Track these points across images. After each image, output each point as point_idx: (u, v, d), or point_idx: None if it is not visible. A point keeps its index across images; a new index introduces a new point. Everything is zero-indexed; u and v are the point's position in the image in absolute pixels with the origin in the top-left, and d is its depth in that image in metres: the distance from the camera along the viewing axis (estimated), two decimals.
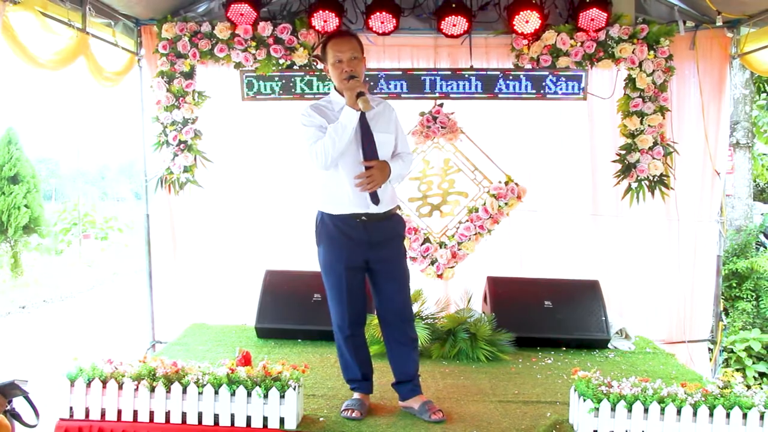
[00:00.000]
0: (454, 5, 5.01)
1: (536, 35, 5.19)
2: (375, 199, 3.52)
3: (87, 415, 3.44)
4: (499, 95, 5.40)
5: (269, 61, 5.28)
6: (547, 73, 5.34)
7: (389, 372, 3.78)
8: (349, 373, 3.77)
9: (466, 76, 5.40)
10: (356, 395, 3.74)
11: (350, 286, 3.60)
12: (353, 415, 3.58)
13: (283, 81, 5.37)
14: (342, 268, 3.58)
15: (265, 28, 5.21)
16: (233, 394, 3.37)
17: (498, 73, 5.38)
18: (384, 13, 5.02)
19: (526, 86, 5.37)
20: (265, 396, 3.36)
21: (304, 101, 5.34)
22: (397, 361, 3.73)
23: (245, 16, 5.09)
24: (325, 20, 5.09)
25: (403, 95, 5.39)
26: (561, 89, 5.36)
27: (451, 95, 5.42)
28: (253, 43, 5.24)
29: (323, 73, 5.31)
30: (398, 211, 3.78)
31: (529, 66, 5.30)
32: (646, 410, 3.23)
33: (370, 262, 3.60)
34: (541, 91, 5.36)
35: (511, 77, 5.37)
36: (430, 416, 3.55)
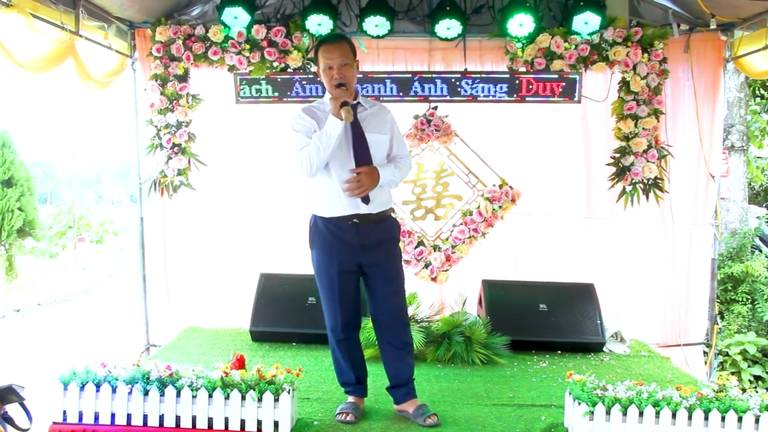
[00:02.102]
0: (448, 8, 5.02)
1: (530, 38, 5.19)
2: (365, 198, 3.50)
3: (80, 418, 3.42)
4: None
5: (263, 64, 5.27)
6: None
7: (384, 375, 3.77)
8: (343, 376, 3.77)
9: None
10: (350, 399, 3.74)
11: (343, 290, 3.59)
12: (347, 418, 3.58)
13: (277, 84, 5.36)
14: (335, 271, 3.57)
15: (259, 31, 5.21)
16: (227, 397, 3.36)
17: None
18: (378, 16, 5.02)
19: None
20: (260, 399, 3.35)
21: (298, 104, 5.36)
22: (391, 365, 3.72)
23: (239, 19, 5.08)
24: (319, 23, 5.08)
25: None
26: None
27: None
28: (247, 46, 5.24)
29: (317, 76, 5.31)
30: (392, 214, 3.78)
31: (523, 69, 5.30)
32: (641, 414, 3.23)
33: (363, 265, 3.59)
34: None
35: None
36: (424, 420, 3.54)
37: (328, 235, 3.56)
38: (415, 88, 5.40)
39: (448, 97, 5.42)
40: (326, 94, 3.65)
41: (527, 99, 5.38)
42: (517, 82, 5.35)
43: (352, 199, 3.49)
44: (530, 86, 5.35)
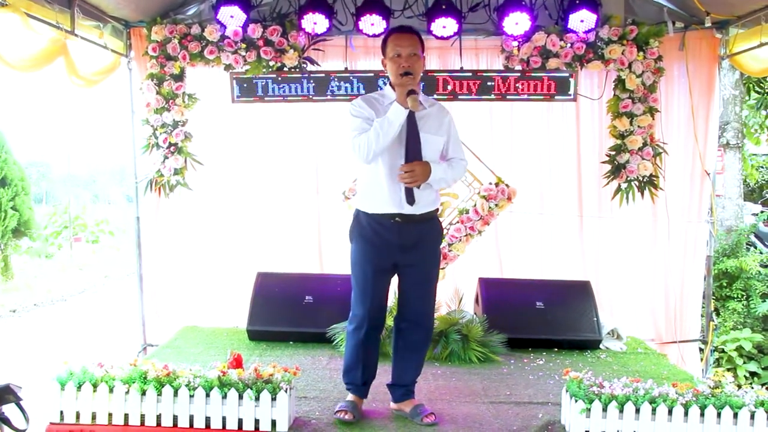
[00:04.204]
0: (444, 7, 5.00)
1: (526, 37, 5.19)
2: (410, 198, 3.45)
3: (77, 418, 3.42)
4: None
5: (259, 63, 5.27)
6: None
7: (383, 374, 3.77)
8: (351, 375, 3.71)
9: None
10: (350, 397, 3.71)
11: (375, 288, 3.57)
12: (346, 417, 3.55)
13: (324, 82, 5.37)
14: (370, 269, 3.54)
15: (255, 30, 5.20)
16: (225, 396, 3.36)
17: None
18: (374, 14, 5.01)
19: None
20: (257, 398, 3.35)
21: (296, 103, 5.37)
22: (399, 365, 3.71)
23: (235, 18, 5.07)
24: (314, 22, 5.07)
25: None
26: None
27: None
28: (243, 45, 5.23)
29: (314, 75, 5.32)
30: (437, 215, 3.71)
31: (519, 67, 5.31)
32: (637, 410, 3.25)
33: (399, 265, 3.57)
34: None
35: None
36: (422, 420, 3.54)
37: (369, 231, 3.53)
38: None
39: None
40: (387, 87, 3.62)
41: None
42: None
43: (396, 197, 3.46)
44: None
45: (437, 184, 3.55)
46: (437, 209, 3.67)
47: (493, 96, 5.39)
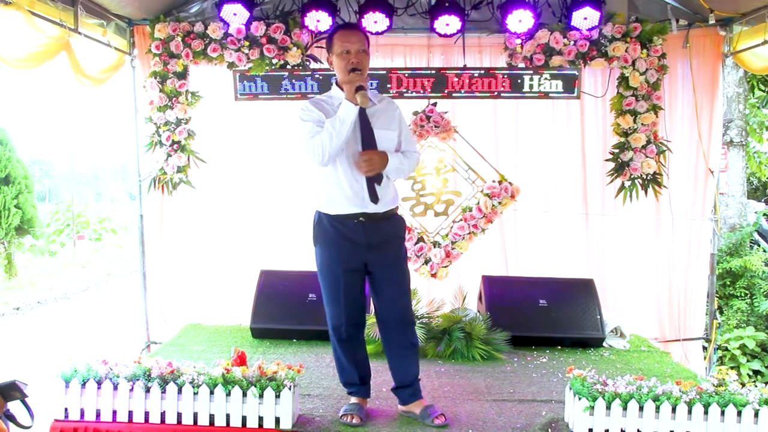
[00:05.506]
0: (447, 4, 5.00)
1: (529, 34, 5.19)
2: (374, 197, 3.43)
3: (82, 415, 3.43)
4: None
5: (262, 60, 5.27)
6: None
7: (386, 372, 3.75)
8: (346, 376, 3.70)
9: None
10: (353, 399, 3.68)
11: (348, 289, 3.52)
12: (353, 421, 3.51)
13: (276, 80, 5.37)
14: (340, 270, 3.50)
15: (258, 28, 5.21)
16: (228, 394, 3.37)
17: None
18: (377, 12, 5.01)
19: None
20: (261, 396, 3.36)
21: (298, 101, 5.36)
22: (397, 366, 3.67)
23: (238, 15, 5.07)
24: (318, 20, 5.07)
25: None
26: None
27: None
28: (246, 43, 5.24)
29: (316, 73, 5.32)
30: (398, 213, 3.70)
31: (522, 65, 5.31)
32: (641, 408, 3.24)
33: (369, 264, 3.53)
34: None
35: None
36: (432, 421, 3.50)
37: (334, 232, 3.49)
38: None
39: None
40: (333, 88, 3.59)
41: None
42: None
43: (359, 197, 3.43)
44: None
45: (394, 174, 3.55)
46: (398, 207, 3.65)
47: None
